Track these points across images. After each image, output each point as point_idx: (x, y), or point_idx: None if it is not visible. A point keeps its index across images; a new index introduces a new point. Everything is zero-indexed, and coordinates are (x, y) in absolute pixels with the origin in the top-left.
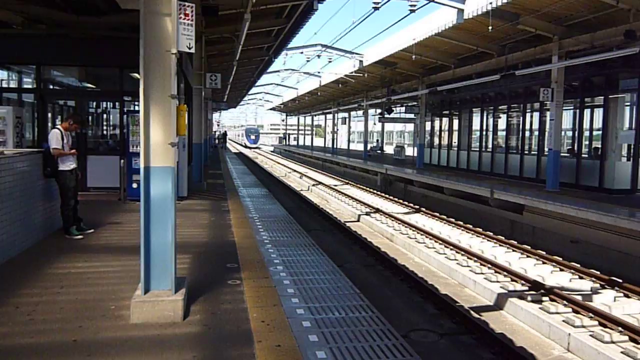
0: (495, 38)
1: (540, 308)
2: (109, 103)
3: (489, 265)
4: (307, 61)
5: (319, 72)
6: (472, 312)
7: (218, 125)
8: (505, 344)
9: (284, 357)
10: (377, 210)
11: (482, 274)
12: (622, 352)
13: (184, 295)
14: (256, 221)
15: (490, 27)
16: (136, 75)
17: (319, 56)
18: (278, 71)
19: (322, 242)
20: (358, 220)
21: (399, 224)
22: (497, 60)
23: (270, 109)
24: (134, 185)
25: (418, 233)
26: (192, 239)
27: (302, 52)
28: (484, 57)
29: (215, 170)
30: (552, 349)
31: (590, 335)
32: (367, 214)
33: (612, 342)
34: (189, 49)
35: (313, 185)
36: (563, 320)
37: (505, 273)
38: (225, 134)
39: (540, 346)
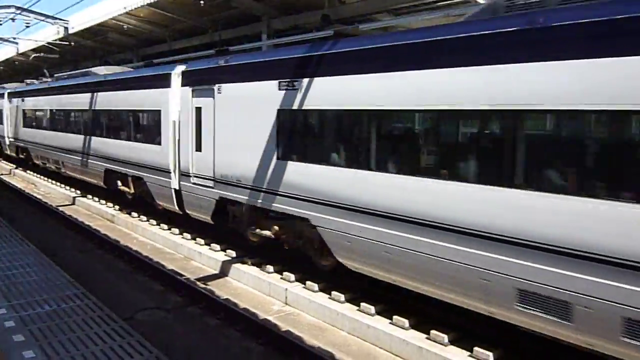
0: (208, 13)
1: (260, 270)
2: None
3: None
4: (0, 24)
5: (14, 38)
6: (198, 283)
7: None
8: (230, 308)
9: None
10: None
11: (207, 245)
12: (329, 298)
13: None
14: None
15: (202, 2)
16: None
17: (13, 19)
18: None
19: (29, 230)
20: (74, 203)
21: (120, 204)
22: (211, 36)
23: None
24: None
25: (141, 212)
26: None
27: None
28: (200, 32)
29: None
30: (273, 305)
31: (304, 288)
32: (84, 195)
33: (320, 292)
34: None
35: (15, 168)
36: (281, 278)
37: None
38: None
39: (262, 304)
